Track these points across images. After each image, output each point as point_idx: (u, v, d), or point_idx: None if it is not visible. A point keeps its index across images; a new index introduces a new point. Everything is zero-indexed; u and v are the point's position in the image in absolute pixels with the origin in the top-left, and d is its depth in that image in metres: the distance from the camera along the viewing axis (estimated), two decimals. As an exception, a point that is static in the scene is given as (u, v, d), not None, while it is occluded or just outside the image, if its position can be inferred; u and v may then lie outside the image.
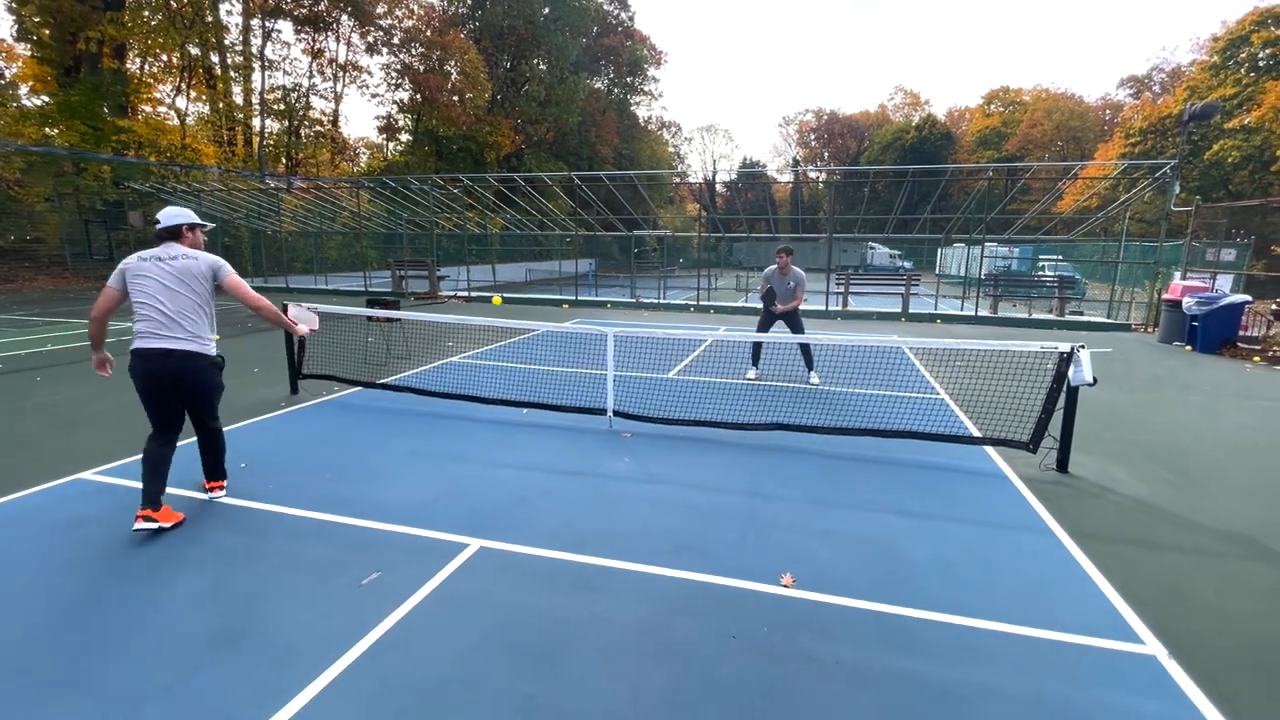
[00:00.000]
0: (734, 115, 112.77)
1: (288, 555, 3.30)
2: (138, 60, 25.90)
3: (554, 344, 9.66)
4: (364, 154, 36.92)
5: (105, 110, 21.86)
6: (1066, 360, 4.49)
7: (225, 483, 3.99)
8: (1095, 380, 4.48)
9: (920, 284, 19.34)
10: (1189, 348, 10.42)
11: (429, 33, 32.42)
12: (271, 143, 29.97)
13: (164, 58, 26.21)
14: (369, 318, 7.79)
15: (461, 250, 25.34)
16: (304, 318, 4.87)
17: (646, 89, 51.65)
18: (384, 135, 35.63)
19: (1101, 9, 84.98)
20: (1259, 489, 4.48)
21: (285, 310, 4.66)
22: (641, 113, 52.67)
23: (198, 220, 3.75)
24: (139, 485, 4.05)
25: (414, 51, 33.15)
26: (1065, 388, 4.53)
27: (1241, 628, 2.81)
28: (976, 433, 5.48)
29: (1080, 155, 47.22)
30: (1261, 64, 26.85)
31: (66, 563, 3.17)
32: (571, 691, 2.33)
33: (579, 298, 17.63)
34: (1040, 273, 23.97)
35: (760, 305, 7.72)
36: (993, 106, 59.77)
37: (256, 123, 31.35)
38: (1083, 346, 4.45)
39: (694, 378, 7.68)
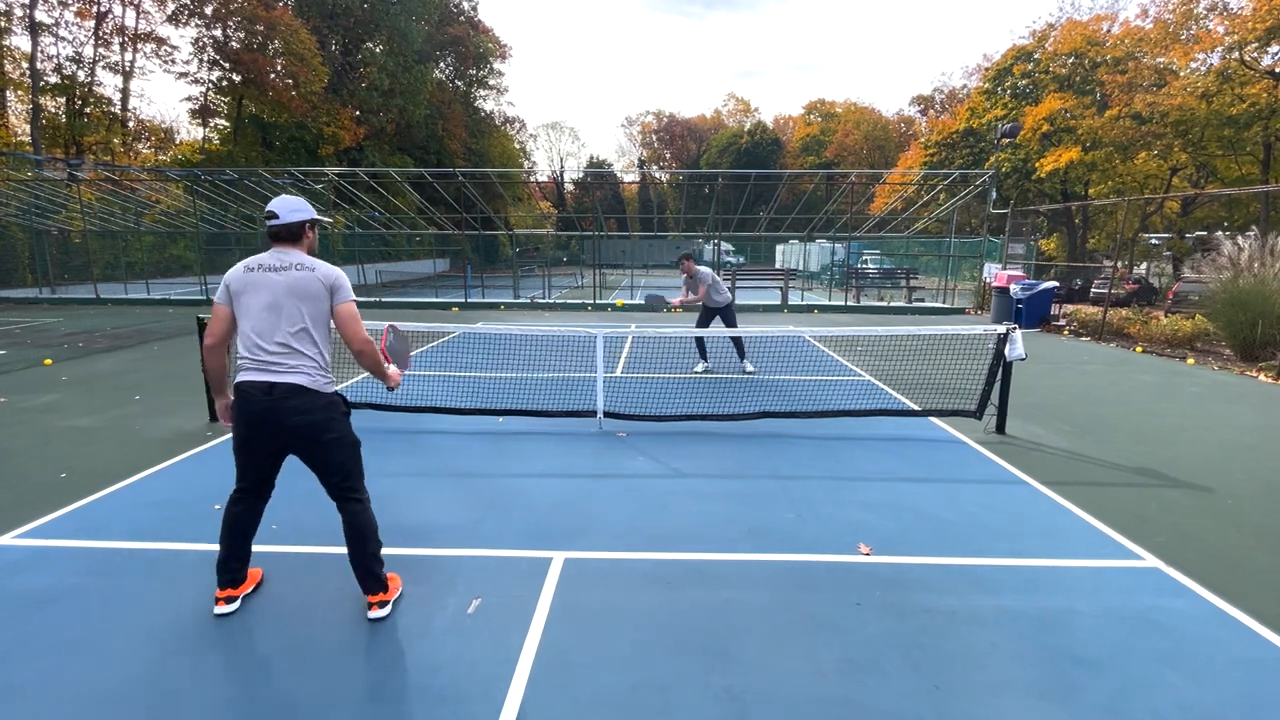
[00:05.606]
0: (578, 113, 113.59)
1: (361, 597, 2.97)
2: None
3: (471, 348, 9.25)
4: (174, 139, 31.78)
5: None
6: (1004, 340, 5.36)
7: (391, 593, 2.85)
8: (1026, 356, 5.40)
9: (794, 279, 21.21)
10: (1016, 326, 12.60)
11: (247, 5, 28.68)
12: (46, 122, 24.73)
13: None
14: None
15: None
16: (401, 355, 3.34)
17: (492, 83, 50.29)
18: (198, 120, 30.99)
19: (893, 35, 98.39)
20: (1134, 433, 5.70)
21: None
22: (488, 106, 51.22)
23: (318, 215, 2.78)
24: (80, 544, 3.44)
25: (230, 26, 29.17)
26: (1002, 363, 5.41)
27: (1206, 537, 3.62)
28: (915, 407, 6.29)
29: (885, 163, 54.17)
30: (1020, 92, 32.82)
31: (78, 642, 2.60)
32: (762, 675, 2.44)
33: (468, 300, 16.86)
34: (864, 265, 27.33)
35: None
36: (812, 116, 66.41)
37: (13, 97, 25.74)
38: (1015, 328, 5.34)
39: (645, 375, 7.85)
